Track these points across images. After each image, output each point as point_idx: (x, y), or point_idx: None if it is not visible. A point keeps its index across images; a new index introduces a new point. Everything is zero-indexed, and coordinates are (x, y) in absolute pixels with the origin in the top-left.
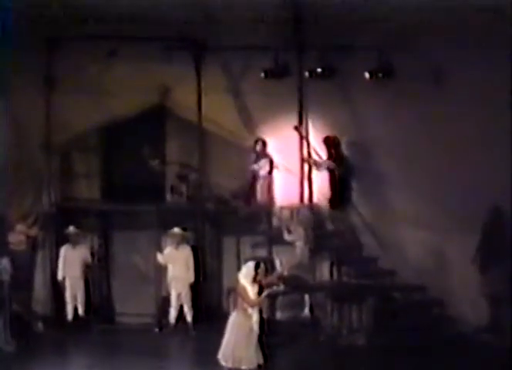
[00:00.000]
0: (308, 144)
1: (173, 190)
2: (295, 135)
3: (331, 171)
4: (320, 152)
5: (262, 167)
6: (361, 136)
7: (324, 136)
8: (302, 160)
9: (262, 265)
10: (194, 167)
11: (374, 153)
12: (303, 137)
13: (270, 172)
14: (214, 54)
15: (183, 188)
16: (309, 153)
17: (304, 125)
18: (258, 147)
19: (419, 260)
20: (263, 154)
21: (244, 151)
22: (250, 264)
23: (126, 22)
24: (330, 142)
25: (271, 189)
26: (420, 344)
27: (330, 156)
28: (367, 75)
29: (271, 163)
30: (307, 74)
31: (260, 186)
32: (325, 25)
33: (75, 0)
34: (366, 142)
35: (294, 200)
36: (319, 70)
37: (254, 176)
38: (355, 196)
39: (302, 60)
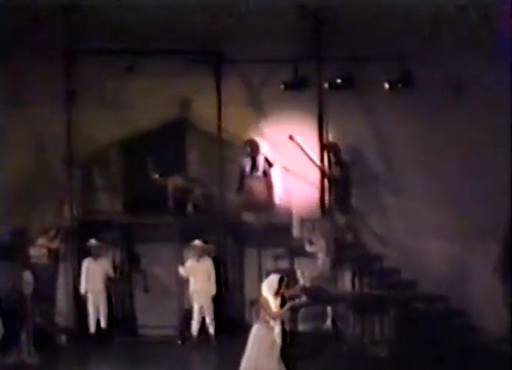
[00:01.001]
0: (306, 153)
1: (176, 203)
2: (316, 146)
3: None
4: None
5: (250, 166)
6: (381, 146)
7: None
8: (323, 173)
9: (286, 279)
10: (200, 181)
11: (394, 163)
12: (300, 147)
13: (264, 173)
14: (234, 66)
15: (190, 202)
16: (330, 164)
17: (324, 136)
18: (248, 149)
19: (440, 271)
20: (254, 155)
21: None
22: (274, 278)
23: (146, 36)
24: (330, 149)
25: (269, 189)
26: (443, 354)
27: (330, 162)
28: (387, 85)
29: (264, 163)
30: (326, 85)
31: (253, 187)
32: (344, 36)
33: (96, 14)
34: (386, 152)
35: (315, 211)
36: (339, 81)
37: (244, 176)
38: (374, 206)
39: (322, 71)
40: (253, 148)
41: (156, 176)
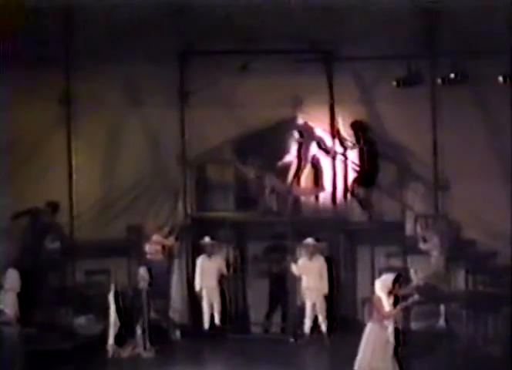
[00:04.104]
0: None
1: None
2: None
3: None
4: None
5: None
6: (494, 141)
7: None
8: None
9: (401, 279)
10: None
11: (508, 158)
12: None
13: (313, 158)
14: (345, 64)
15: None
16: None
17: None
18: (296, 135)
19: None
20: (304, 142)
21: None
22: (389, 277)
23: (258, 36)
24: (357, 127)
25: (317, 176)
26: None
27: (358, 141)
28: (500, 79)
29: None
30: (439, 81)
31: (304, 173)
32: (456, 31)
33: (207, 15)
34: (500, 147)
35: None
36: (452, 76)
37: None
38: (488, 202)
39: (434, 67)
40: (302, 134)
41: (252, 173)
